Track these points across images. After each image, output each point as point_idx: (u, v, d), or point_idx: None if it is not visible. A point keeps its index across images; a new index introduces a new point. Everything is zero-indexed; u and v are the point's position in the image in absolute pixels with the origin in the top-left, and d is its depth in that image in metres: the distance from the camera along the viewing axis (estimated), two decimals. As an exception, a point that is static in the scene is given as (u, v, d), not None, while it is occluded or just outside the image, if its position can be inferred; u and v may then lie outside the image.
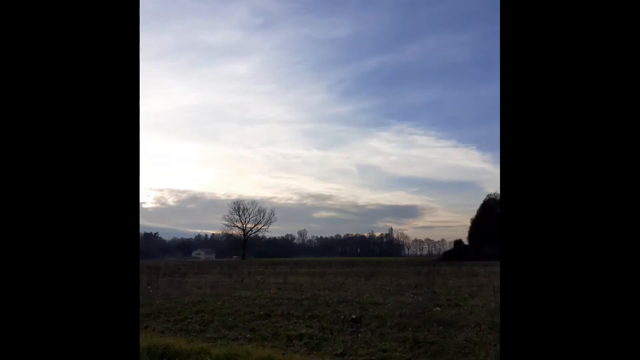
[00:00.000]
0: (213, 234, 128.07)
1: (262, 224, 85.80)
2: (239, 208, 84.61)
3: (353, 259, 63.66)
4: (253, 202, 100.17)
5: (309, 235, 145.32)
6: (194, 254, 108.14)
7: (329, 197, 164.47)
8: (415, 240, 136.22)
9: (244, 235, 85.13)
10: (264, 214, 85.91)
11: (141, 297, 12.06)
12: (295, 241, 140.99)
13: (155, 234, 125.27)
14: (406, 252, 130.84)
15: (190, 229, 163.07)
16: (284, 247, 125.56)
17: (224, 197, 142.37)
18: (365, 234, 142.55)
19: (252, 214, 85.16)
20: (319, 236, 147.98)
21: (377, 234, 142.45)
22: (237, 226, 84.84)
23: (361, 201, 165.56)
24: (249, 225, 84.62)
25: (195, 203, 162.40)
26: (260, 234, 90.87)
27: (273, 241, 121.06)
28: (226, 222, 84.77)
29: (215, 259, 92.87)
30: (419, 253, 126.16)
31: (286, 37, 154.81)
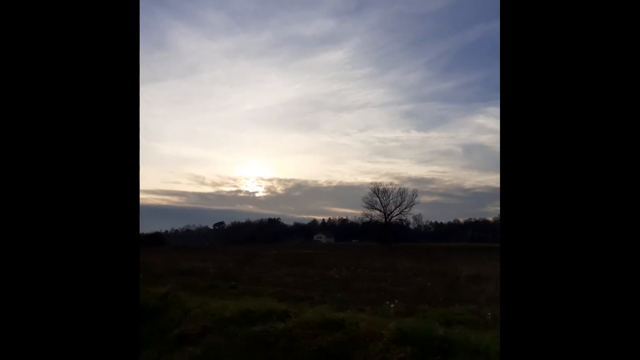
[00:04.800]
0: (329, 218, 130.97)
1: (405, 207, 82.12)
2: (378, 190, 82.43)
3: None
4: (392, 184, 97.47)
5: (424, 220, 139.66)
6: (315, 237, 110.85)
7: (431, 181, 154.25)
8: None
9: (385, 218, 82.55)
10: (404, 196, 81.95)
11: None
12: (410, 226, 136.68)
13: (278, 219, 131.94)
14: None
15: (296, 214, 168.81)
16: (400, 231, 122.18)
17: (325, 184, 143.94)
18: (490, 219, 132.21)
19: (391, 196, 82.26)
20: (433, 221, 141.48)
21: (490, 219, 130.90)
22: (377, 209, 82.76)
23: (468, 184, 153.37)
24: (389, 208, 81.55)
25: (300, 191, 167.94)
26: (403, 217, 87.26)
27: (388, 226, 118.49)
28: (365, 205, 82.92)
29: (335, 242, 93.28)
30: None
31: (380, 17, 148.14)
